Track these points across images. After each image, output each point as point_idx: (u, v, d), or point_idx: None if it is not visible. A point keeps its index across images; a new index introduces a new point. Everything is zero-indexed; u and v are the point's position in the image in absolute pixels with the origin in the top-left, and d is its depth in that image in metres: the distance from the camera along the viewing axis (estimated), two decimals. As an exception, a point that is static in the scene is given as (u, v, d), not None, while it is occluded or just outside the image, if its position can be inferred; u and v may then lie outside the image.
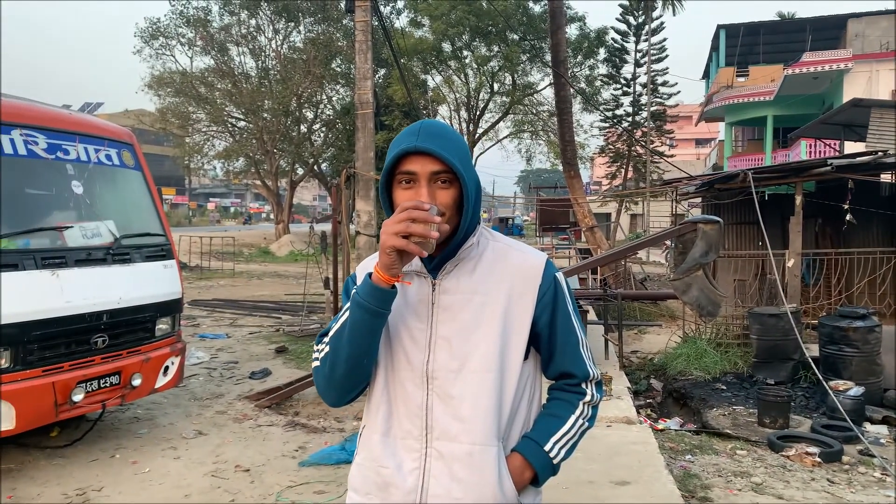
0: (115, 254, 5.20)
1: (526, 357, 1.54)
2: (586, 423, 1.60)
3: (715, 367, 8.23)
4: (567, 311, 1.58)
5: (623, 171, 35.26)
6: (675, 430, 6.27)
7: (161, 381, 5.56)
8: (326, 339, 1.56)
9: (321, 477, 4.77)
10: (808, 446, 5.49)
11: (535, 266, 1.55)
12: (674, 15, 34.51)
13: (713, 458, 5.32)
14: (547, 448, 1.53)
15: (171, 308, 5.67)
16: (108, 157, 5.57)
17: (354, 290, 1.50)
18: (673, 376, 8.31)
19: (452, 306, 1.52)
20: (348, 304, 1.52)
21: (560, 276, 1.60)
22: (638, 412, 6.33)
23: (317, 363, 1.58)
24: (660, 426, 6.33)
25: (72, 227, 5.03)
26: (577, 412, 1.59)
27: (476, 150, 33.26)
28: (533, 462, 1.52)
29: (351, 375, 1.51)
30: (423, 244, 1.38)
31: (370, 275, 1.46)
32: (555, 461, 1.54)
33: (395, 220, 1.38)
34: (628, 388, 7.09)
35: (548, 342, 1.57)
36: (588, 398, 1.60)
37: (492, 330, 1.49)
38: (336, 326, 1.53)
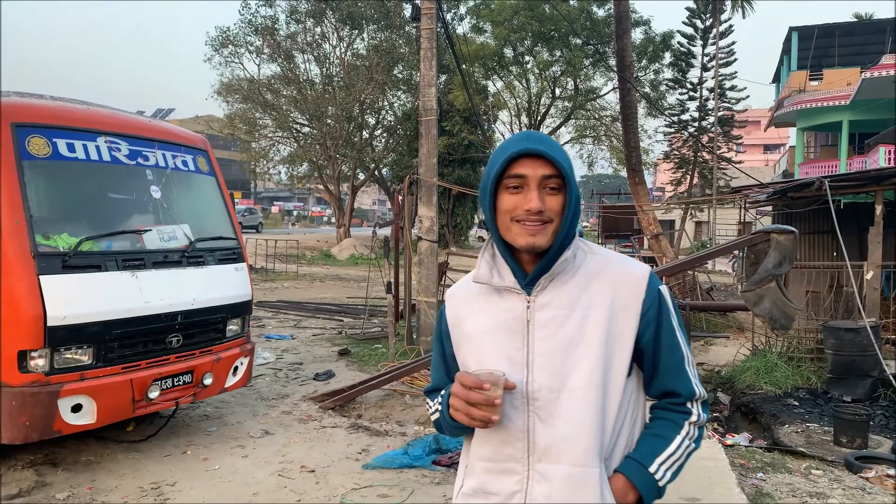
0: (189, 256, 5.37)
1: (629, 374, 1.49)
2: (693, 445, 1.53)
3: (786, 381, 7.92)
4: (672, 326, 1.52)
5: (688, 177, 34.44)
6: (745, 447, 6.07)
7: (231, 380, 5.71)
8: (434, 406, 1.67)
9: (384, 480, 4.82)
10: (888, 468, 5.23)
11: (638, 279, 1.50)
12: (743, 17, 33.56)
13: (787, 477, 5.12)
14: (652, 469, 1.47)
15: (241, 310, 5.83)
16: (185, 162, 5.77)
17: (440, 405, 1.60)
18: (741, 390, 8.04)
19: (550, 323, 1.47)
20: (440, 401, 1.61)
21: (664, 289, 1.54)
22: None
23: (434, 418, 1.68)
24: (728, 441, 6.14)
25: (150, 230, 5.23)
26: (683, 432, 1.52)
27: (536, 156, 32.99)
28: (637, 484, 1.46)
29: (462, 432, 1.60)
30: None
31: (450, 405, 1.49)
32: (660, 483, 1.48)
33: (458, 400, 1.43)
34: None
35: (652, 359, 1.52)
36: (694, 418, 1.54)
37: (594, 347, 1.44)
38: (437, 409, 1.64)
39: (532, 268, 1.49)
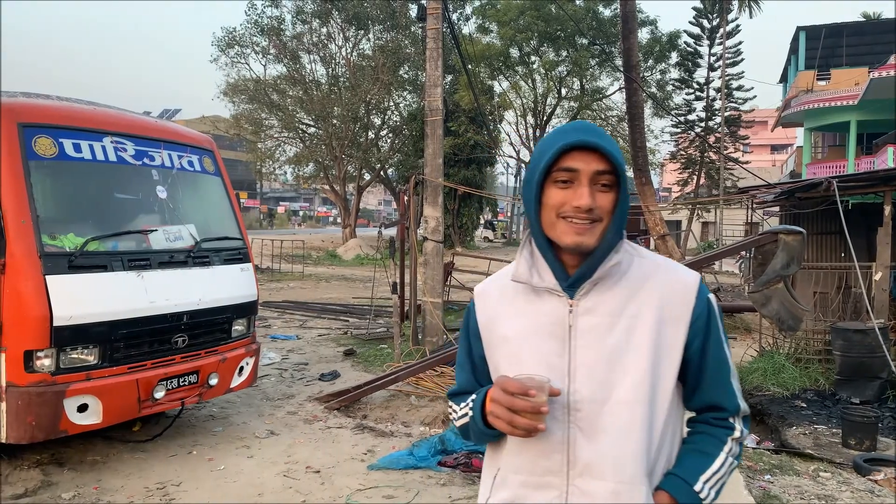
0: (195, 257, 5.38)
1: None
2: (735, 462, 1.45)
3: (794, 383, 7.88)
4: (720, 337, 1.44)
5: (695, 177, 34.33)
6: (752, 448, 6.03)
7: (236, 380, 5.72)
8: (461, 410, 1.56)
9: (390, 481, 4.80)
10: (898, 471, 5.19)
11: (688, 286, 1.42)
12: (750, 17, 33.43)
13: (794, 480, 5.09)
14: (697, 488, 1.39)
15: (246, 310, 5.83)
16: (191, 163, 5.78)
17: (471, 409, 1.49)
18: (748, 391, 7.99)
19: (595, 330, 1.38)
20: (470, 405, 1.51)
21: (713, 297, 1.47)
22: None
23: (460, 423, 1.57)
24: (735, 443, 6.10)
25: (156, 230, 5.23)
26: (726, 449, 1.44)
27: (542, 156, 32.96)
28: (682, 502, 1.38)
29: (493, 440, 1.51)
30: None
31: (484, 411, 1.41)
32: (704, 502, 1.40)
33: (499, 406, 1.33)
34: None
35: (696, 371, 1.43)
36: (737, 434, 1.46)
37: (641, 357, 1.36)
38: (465, 415, 1.53)
39: (574, 269, 1.41)
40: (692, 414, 1.53)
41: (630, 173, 16.24)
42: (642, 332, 1.37)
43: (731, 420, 1.46)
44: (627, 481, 1.34)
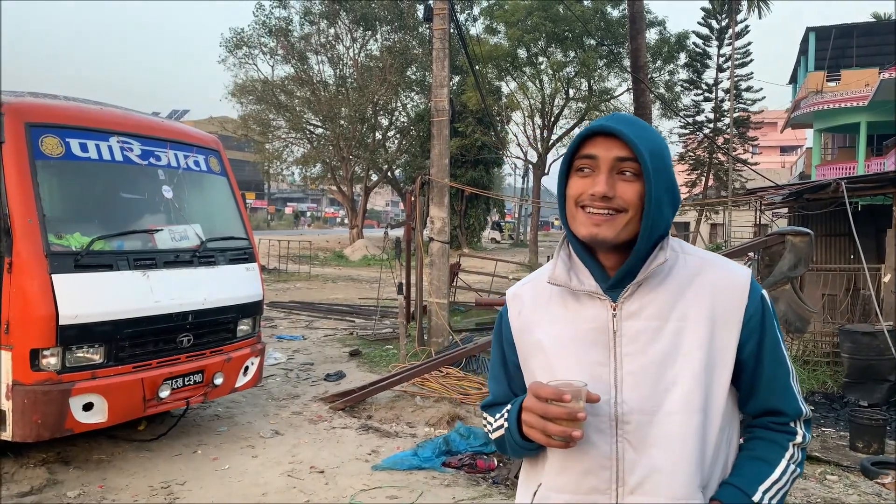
0: (200, 256, 5.39)
1: None
2: (797, 470, 1.34)
3: (802, 385, 7.82)
4: (777, 337, 1.34)
5: (703, 178, 34.19)
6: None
7: (241, 380, 5.72)
8: (496, 422, 1.45)
9: (394, 482, 4.80)
10: (906, 474, 5.14)
11: (740, 284, 1.32)
12: (759, 18, 33.29)
13: (801, 482, 5.05)
14: (756, 499, 1.27)
15: (252, 310, 5.84)
16: (196, 163, 5.79)
17: (506, 421, 1.38)
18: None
19: (641, 335, 1.29)
20: (505, 416, 1.40)
21: (767, 294, 1.36)
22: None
23: (496, 435, 1.46)
24: (742, 446, 6.07)
25: (162, 230, 5.25)
26: (788, 455, 1.33)
27: (550, 157, 32.93)
28: None
29: (533, 454, 1.41)
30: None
31: (520, 422, 1.30)
32: None
33: (532, 415, 1.24)
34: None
35: (752, 374, 1.33)
36: (799, 439, 1.35)
37: (693, 363, 1.26)
38: (500, 426, 1.43)
39: (614, 271, 1.32)
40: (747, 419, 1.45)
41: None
42: (692, 335, 1.28)
43: (792, 425, 1.36)
44: (682, 497, 1.25)
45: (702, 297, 1.30)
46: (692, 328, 1.28)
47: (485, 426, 1.52)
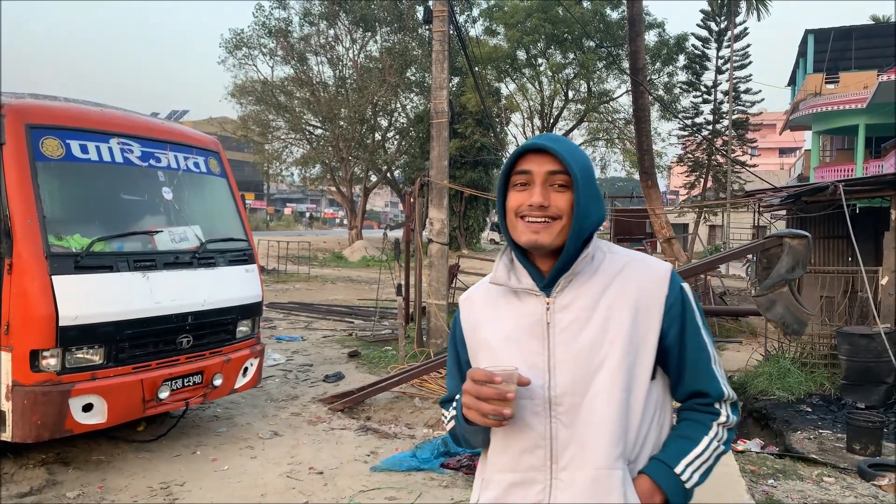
0: (200, 258, 5.40)
1: (653, 377, 1.45)
2: (721, 447, 1.47)
3: (799, 387, 7.85)
4: (697, 324, 1.48)
5: (702, 180, 34.22)
6: (756, 453, 6.01)
7: (240, 381, 5.74)
8: (449, 415, 1.61)
9: (392, 483, 4.81)
10: (903, 476, 5.16)
11: (660, 277, 1.46)
12: (758, 20, 33.29)
13: (798, 484, 5.07)
14: (678, 470, 1.41)
15: (251, 311, 5.85)
16: (196, 164, 5.81)
17: (455, 410, 1.54)
18: (753, 396, 7.98)
19: (571, 326, 1.43)
20: (455, 406, 1.56)
21: (687, 286, 1.50)
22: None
23: (450, 426, 1.62)
24: (739, 447, 6.09)
25: (161, 231, 5.26)
26: (711, 433, 1.46)
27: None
28: (662, 485, 1.41)
29: (477, 439, 1.55)
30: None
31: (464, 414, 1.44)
32: (687, 485, 1.42)
33: (468, 396, 1.38)
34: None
35: (677, 359, 1.47)
36: (723, 419, 1.48)
37: (617, 349, 1.40)
38: (452, 417, 1.58)
39: (549, 271, 1.46)
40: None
41: (636, 176, 16.18)
42: (617, 323, 1.41)
43: (716, 406, 1.48)
44: (603, 466, 1.37)
45: (626, 289, 1.44)
46: (617, 317, 1.41)
47: (443, 420, 1.69)
